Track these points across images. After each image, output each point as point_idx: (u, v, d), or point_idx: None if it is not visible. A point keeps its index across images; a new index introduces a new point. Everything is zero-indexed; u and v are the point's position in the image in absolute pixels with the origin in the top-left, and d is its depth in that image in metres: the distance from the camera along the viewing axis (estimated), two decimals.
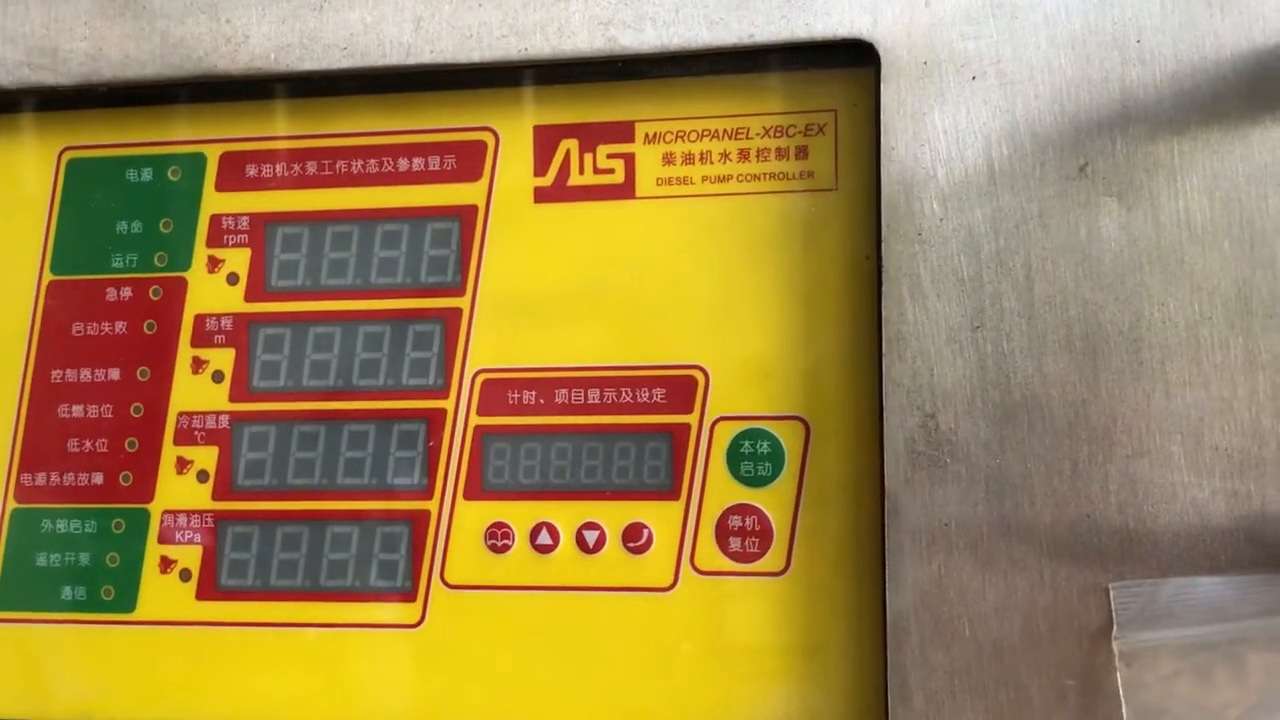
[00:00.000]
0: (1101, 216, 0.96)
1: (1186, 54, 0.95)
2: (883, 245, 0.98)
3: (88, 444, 1.12)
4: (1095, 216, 0.96)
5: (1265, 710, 0.92)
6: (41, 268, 1.13)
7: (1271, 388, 0.94)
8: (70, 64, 1.09)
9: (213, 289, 1.11)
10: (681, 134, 1.04)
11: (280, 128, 1.10)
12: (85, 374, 1.12)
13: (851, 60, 1.01)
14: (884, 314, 0.98)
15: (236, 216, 1.10)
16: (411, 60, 1.05)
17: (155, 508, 1.11)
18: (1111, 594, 0.95)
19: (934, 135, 0.98)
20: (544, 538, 1.06)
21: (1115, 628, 0.95)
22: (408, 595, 1.07)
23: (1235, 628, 0.93)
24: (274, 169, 1.10)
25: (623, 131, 1.05)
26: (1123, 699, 0.94)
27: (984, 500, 0.97)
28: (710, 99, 1.04)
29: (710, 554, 1.04)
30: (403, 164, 1.08)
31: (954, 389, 0.97)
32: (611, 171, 1.05)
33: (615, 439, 1.05)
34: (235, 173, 1.10)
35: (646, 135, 1.05)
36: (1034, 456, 0.97)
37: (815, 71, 1.03)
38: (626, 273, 1.05)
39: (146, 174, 1.12)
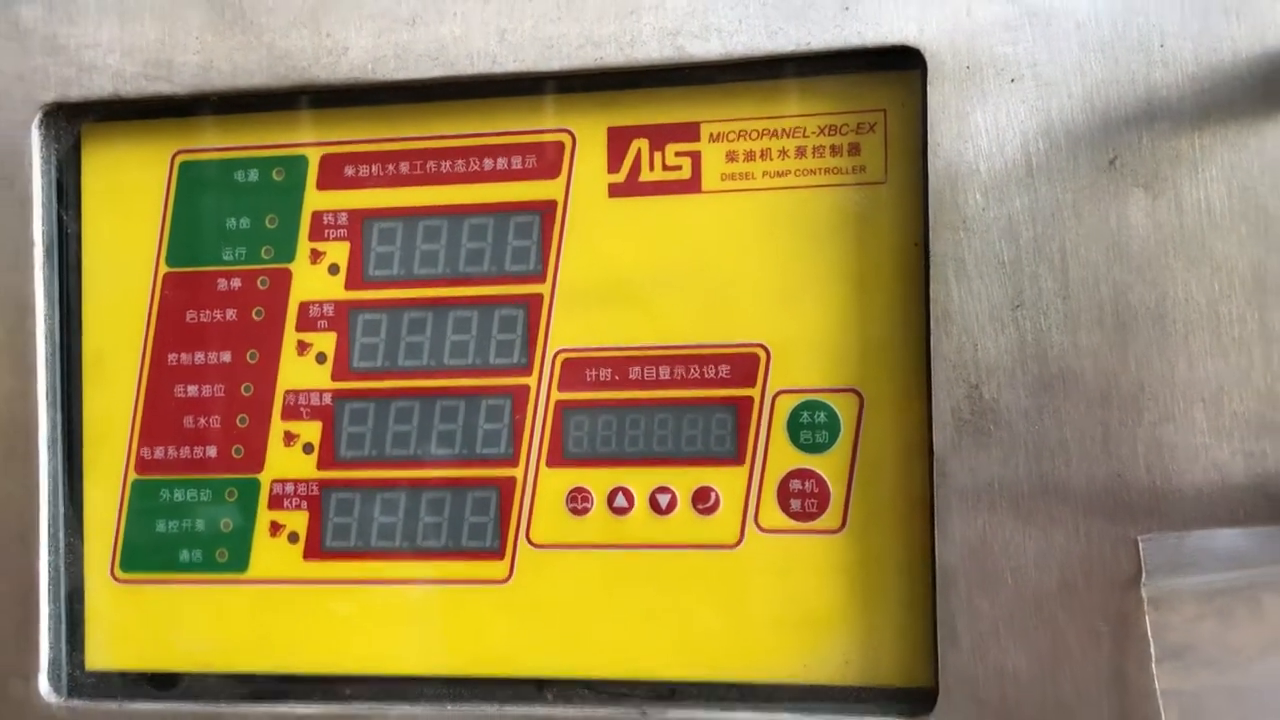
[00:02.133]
0: (1130, 205, 0.99)
1: (1205, 57, 0.98)
2: (930, 233, 1.02)
3: (202, 420, 1.16)
4: (1124, 205, 0.99)
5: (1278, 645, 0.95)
6: (157, 261, 1.17)
7: None
8: (183, 75, 1.13)
9: (315, 279, 1.14)
10: (743, 133, 1.08)
11: (376, 131, 1.13)
12: (199, 357, 1.16)
13: (900, 64, 1.04)
14: (931, 295, 1.02)
15: (336, 213, 1.14)
16: (497, 69, 1.08)
17: (265, 477, 1.14)
18: (1141, 545, 0.99)
19: (976, 133, 1.01)
20: (620, 501, 1.09)
21: (1144, 576, 0.98)
22: (496, 554, 1.11)
23: (1253, 574, 0.96)
24: (370, 169, 1.13)
25: (689, 131, 1.08)
26: (1151, 640, 0.97)
27: (1024, 462, 1.00)
28: (770, 101, 1.07)
29: (772, 514, 1.07)
30: (488, 163, 1.11)
31: (996, 362, 1.01)
32: (679, 168, 1.09)
33: (684, 411, 1.08)
34: (334, 173, 1.14)
35: (711, 135, 1.08)
36: (1069, 423, 1.00)
37: (866, 75, 1.06)
38: (693, 261, 1.08)
39: (253, 175, 1.15)
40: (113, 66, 1.14)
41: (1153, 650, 0.97)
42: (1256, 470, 0.98)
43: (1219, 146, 0.98)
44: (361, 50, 1.10)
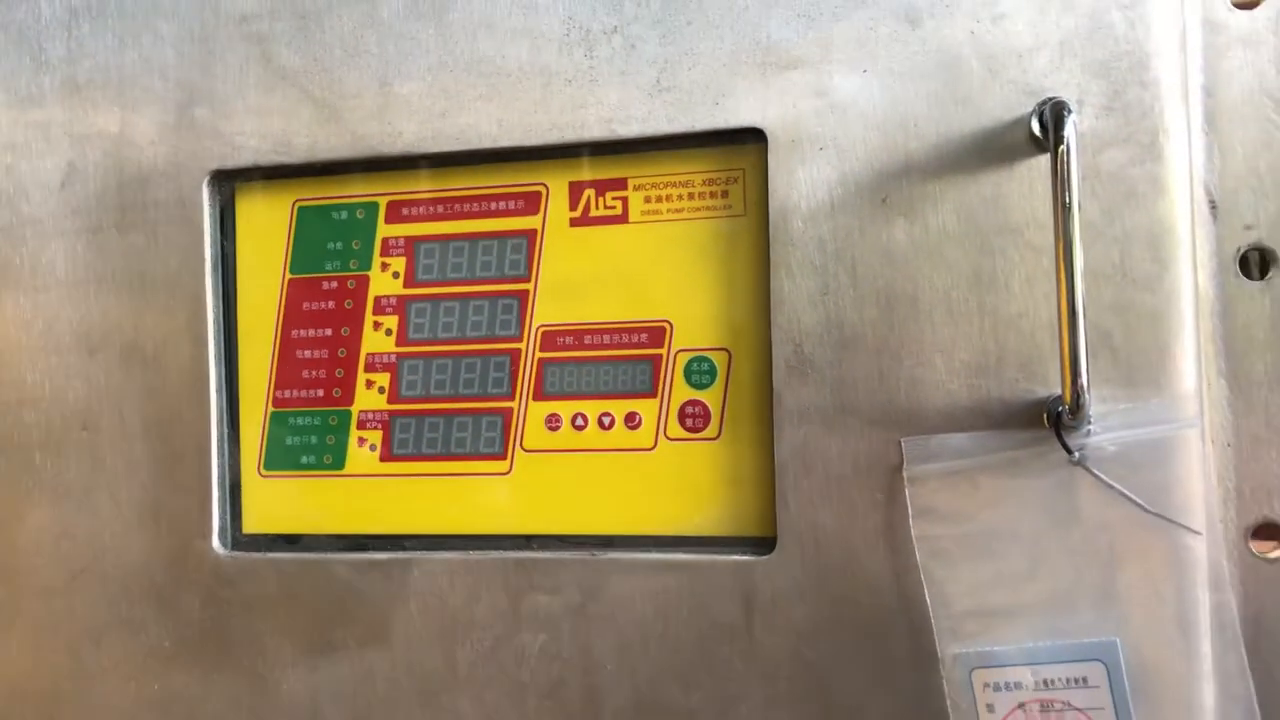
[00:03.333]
0: (895, 228, 1.16)
1: (943, 131, 1.15)
2: (771, 248, 1.19)
3: (315, 373, 1.33)
4: (892, 228, 1.16)
5: (989, 506, 1.11)
6: (285, 270, 1.34)
7: (992, 325, 1.14)
8: (298, 151, 1.30)
9: (385, 281, 1.31)
10: (655, 184, 1.24)
11: (421, 186, 1.30)
12: (312, 332, 1.33)
13: (753, 139, 1.20)
14: (772, 287, 1.18)
15: (397, 239, 1.31)
16: (498, 145, 1.25)
17: (355, 409, 1.32)
18: (902, 444, 1.14)
19: (799, 183, 1.18)
20: (579, 421, 1.26)
21: (905, 464, 1.14)
22: (501, 457, 1.28)
23: (971, 462, 1.12)
24: (418, 210, 1.30)
25: (620, 184, 1.25)
26: (909, 504, 1.14)
27: (829, 393, 1.17)
28: (671, 163, 1.23)
29: (675, 428, 1.24)
30: (492, 206, 1.28)
31: (811, 330, 1.17)
32: (615, 208, 1.25)
33: (619, 364, 1.24)
34: (396, 212, 1.31)
35: (635, 185, 1.25)
36: (858, 368, 1.16)
37: (732, 146, 1.22)
38: (624, 267, 1.25)
39: (344, 214, 1.32)
40: (253, 146, 1.32)
41: (910, 511, 1.14)
42: (976, 397, 1.14)
43: (951, 189, 1.15)
44: (411, 134, 1.28)
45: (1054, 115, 1.05)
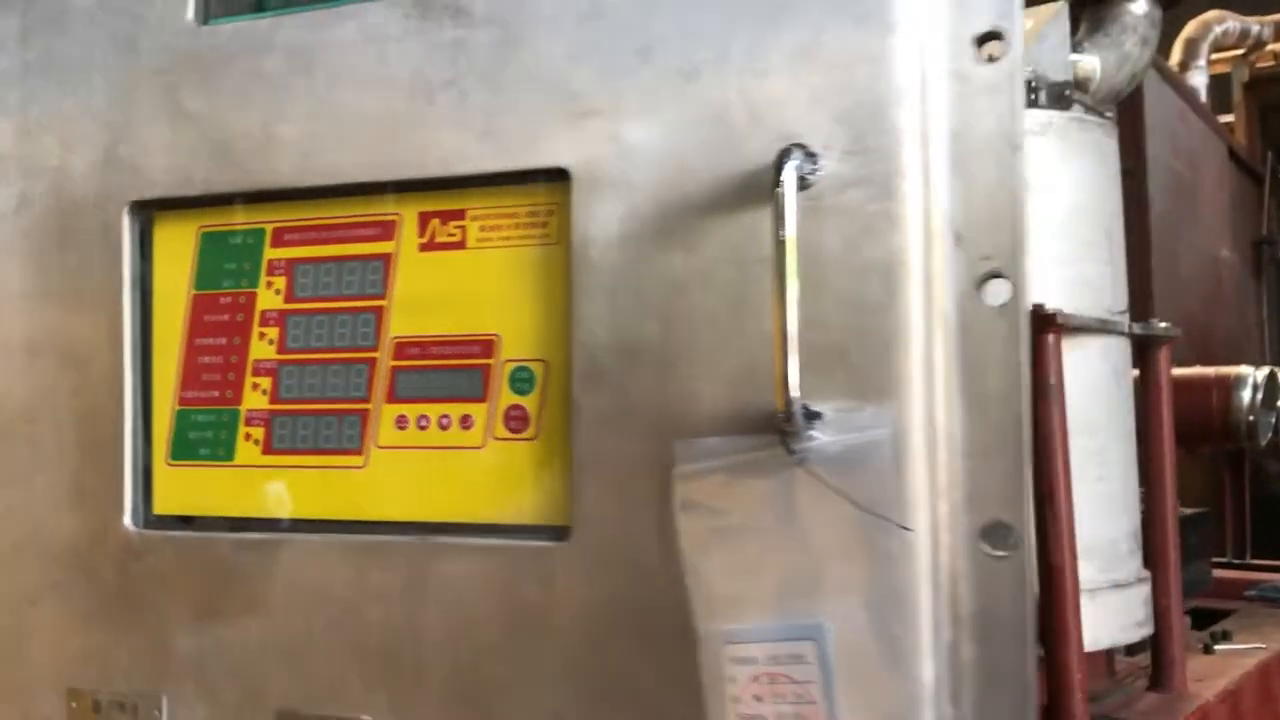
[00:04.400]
0: (673, 256, 1.36)
1: (714, 173, 1.35)
2: (573, 269, 1.40)
3: (212, 376, 1.56)
4: (670, 256, 1.36)
5: (737, 501, 1.31)
6: (190, 287, 1.59)
7: (750, 343, 1.33)
8: (199, 184, 1.56)
9: (269, 297, 1.55)
10: (487, 215, 1.45)
11: (300, 215, 1.54)
12: (210, 341, 1.57)
13: (562, 178, 1.41)
14: (574, 307, 1.40)
15: (280, 260, 1.54)
16: (359, 180, 1.49)
17: (243, 408, 1.55)
18: (675, 446, 1.34)
19: (596, 216, 1.38)
20: (423, 422, 1.47)
21: (676, 463, 1.34)
22: (359, 452, 1.50)
23: (725, 462, 1.31)
24: (297, 235, 1.54)
25: (460, 214, 1.46)
26: (676, 498, 1.34)
27: (619, 400, 1.37)
28: (501, 196, 1.45)
29: (500, 429, 1.44)
30: (356, 232, 1.51)
31: (604, 343, 1.38)
32: (455, 235, 1.46)
33: (456, 371, 1.46)
34: (280, 238, 1.55)
35: (471, 216, 1.46)
36: (642, 379, 1.36)
37: (547, 183, 1.42)
38: (462, 286, 1.46)
39: (238, 239, 1.57)
40: (164, 180, 1.57)
41: (676, 505, 1.34)
42: (736, 405, 1.33)
43: (719, 223, 1.34)
44: (287, 170, 1.52)
45: (776, 161, 1.24)
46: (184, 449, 1.58)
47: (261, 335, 1.54)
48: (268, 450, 1.54)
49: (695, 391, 1.34)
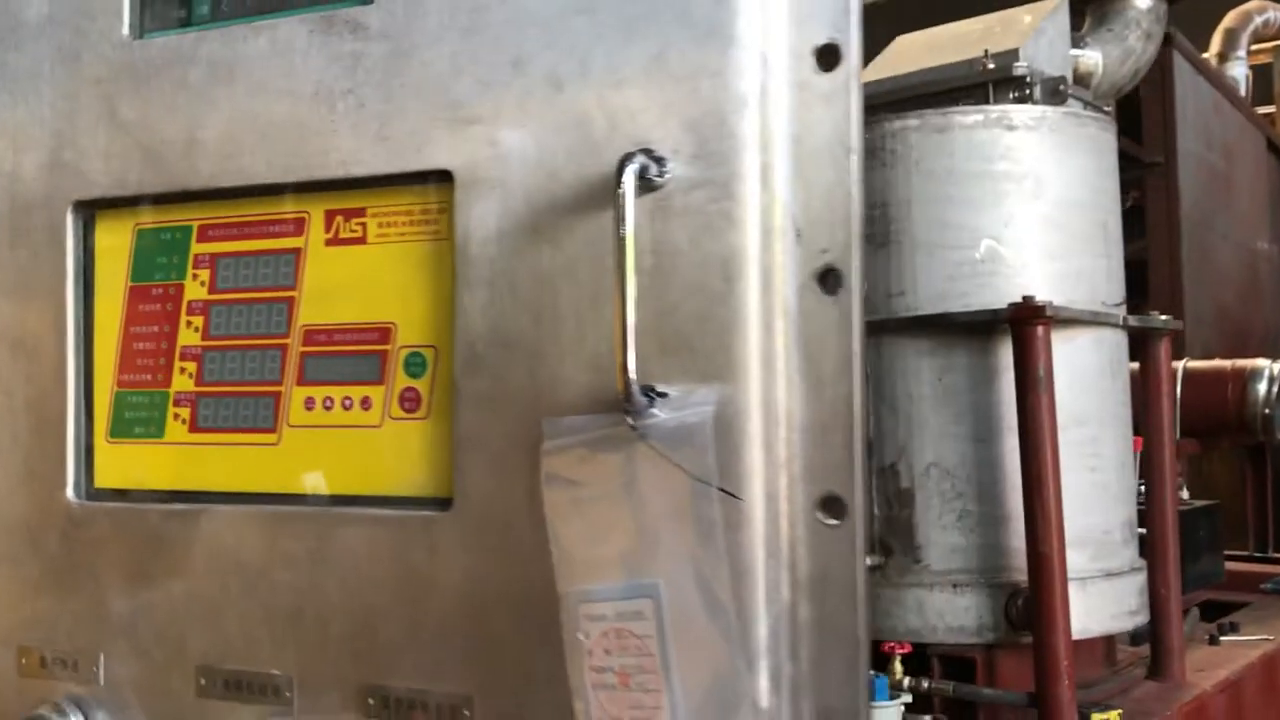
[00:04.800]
0: (543, 252, 1.50)
1: (578, 175, 1.48)
2: (457, 263, 1.54)
3: (145, 361, 1.73)
4: (539, 251, 1.50)
5: (592, 474, 1.45)
6: (127, 280, 1.76)
7: (609, 331, 1.47)
8: (132, 185, 1.72)
9: (195, 288, 1.70)
10: (386, 212, 1.60)
11: (222, 213, 1.70)
12: (144, 329, 1.73)
13: (446, 179, 1.56)
14: (457, 297, 1.55)
15: (205, 255, 1.70)
16: (271, 180, 1.65)
17: (172, 390, 1.71)
18: (543, 423, 1.49)
19: (476, 214, 1.52)
20: (328, 403, 1.63)
21: (544, 439, 1.49)
22: (272, 430, 1.66)
23: (584, 438, 1.45)
24: (218, 232, 1.70)
25: (361, 212, 1.61)
26: (543, 471, 1.48)
27: (496, 383, 1.52)
28: (397, 195, 1.59)
29: (397, 410, 1.59)
30: (270, 229, 1.66)
31: (483, 331, 1.52)
32: (357, 231, 1.62)
33: (358, 357, 1.60)
34: (204, 234, 1.71)
35: (371, 213, 1.61)
36: (516, 363, 1.51)
37: (436, 184, 1.57)
38: (363, 277, 1.61)
39: (168, 235, 1.72)
40: (103, 182, 1.73)
41: (542, 477, 1.48)
42: (597, 387, 1.46)
43: (582, 222, 1.47)
44: (208, 172, 1.67)
45: (618, 166, 1.39)
46: (121, 428, 1.74)
47: (189, 324, 1.70)
48: (194, 429, 1.69)
49: (561, 375, 1.48)
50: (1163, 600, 3.46)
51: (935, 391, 3.28)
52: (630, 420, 1.40)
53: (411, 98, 1.56)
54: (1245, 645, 3.92)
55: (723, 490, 1.38)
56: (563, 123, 1.49)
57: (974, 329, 3.22)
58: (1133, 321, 3.54)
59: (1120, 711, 3.08)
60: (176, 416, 1.70)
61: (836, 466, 1.43)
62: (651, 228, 1.44)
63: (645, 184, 1.44)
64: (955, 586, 3.25)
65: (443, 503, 1.55)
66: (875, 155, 3.40)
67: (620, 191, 1.38)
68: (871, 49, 4.02)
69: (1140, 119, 7.52)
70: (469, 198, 1.52)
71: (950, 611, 3.25)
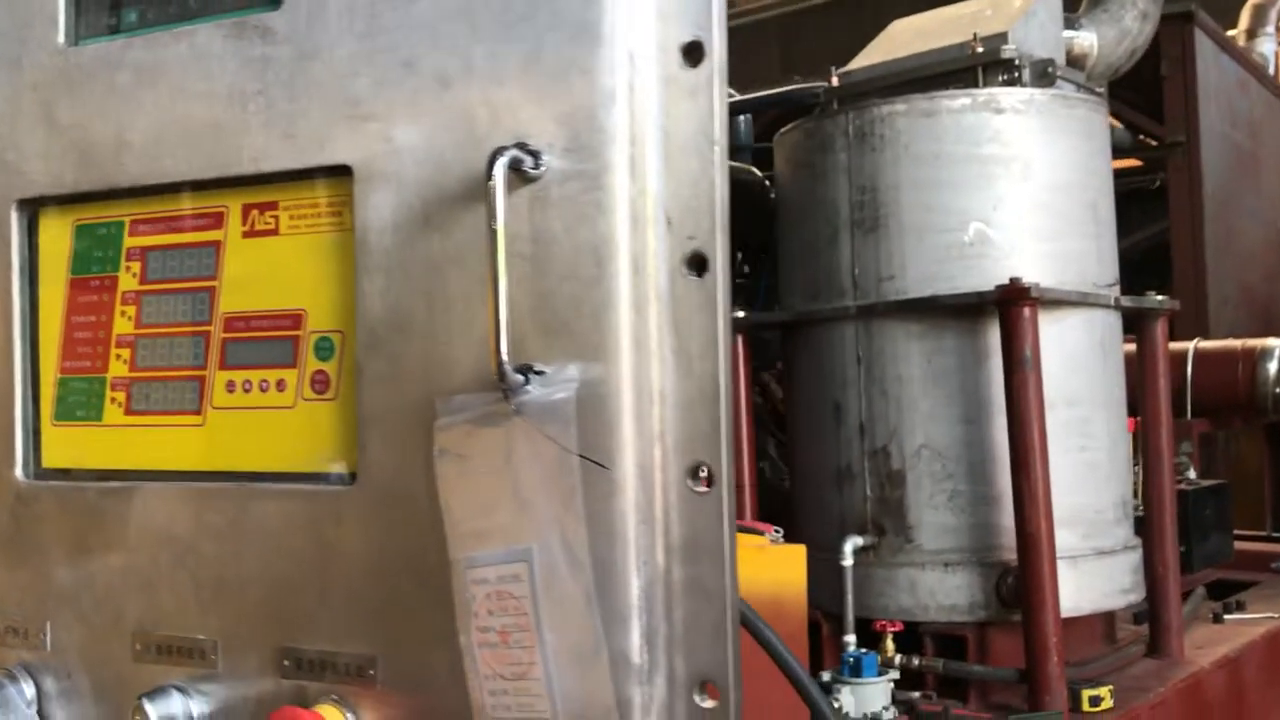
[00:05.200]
0: (433, 242, 1.62)
1: (465, 168, 1.60)
2: (357, 252, 1.66)
3: (85, 349, 1.86)
4: (430, 242, 1.62)
5: (478, 448, 1.56)
6: (68, 272, 1.89)
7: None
8: (69, 184, 1.85)
9: (128, 280, 1.83)
10: (295, 205, 1.72)
11: (151, 209, 1.82)
12: (83, 319, 1.85)
13: (346, 173, 1.68)
14: (358, 284, 1.66)
15: (136, 248, 1.82)
16: (193, 177, 1.77)
17: (109, 375, 1.84)
18: (436, 401, 1.60)
19: (373, 205, 1.64)
20: (247, 386, 1.74)
21: (437, 417, 1.60)
22: (198, 413, 1.78)
23: (471, 414, 1.56)
24: (147, 226, 1.83)
25: (273, 206, 1.73)
26: (435, 447, 1.60)
27: (393, 363, 1.64)
28: (305, 189, 1.71)
29: (308, 392, 1.71)
30: (194, 222, 1.79)
31: (382, 316, 1.64)
32: (270, 224, 1.73)
33: (272, 341, 1.72)
34: (136, 228, 1.84)
35: (283, 206, 1.73)
36: (412, 347, 1.62)
37: (337, 178, 1.69)
38: (276, 266, 1.73)
39: (104, 230, 1.84)
40: (43, 181, 1.86)
41: (435, 451, 1.60)
42: (483, 368, 1.57)
43: (468, 213, 1.58)
44: (136, 171, 1.80)
45: (489, 160, 1.50)
46: (65, 411, 1.87)
47: (123, 313, 1.82)
48: (129, 412, 1.82)
49: (452, 356, 1.59)
50: (1160, 579, 3.53)
51: (925, 374, 3.38)
52: (507, 398, 1.50)
53: (314, 97, 1.67)
54: (1249, 624, 3.98)
55: (586, 458, 1.49)
56: (450, 118, 1.59)
57: (962, 312, 3.31)
58: (1126, 302, 3.60)
59: (1112, 688, 3.16)
60: (113, 400, 1.82)
61: (705, 438, 1.54)
62: (530, 217, 1.55)
63: (522, 176, 1.54)
64: (946, 565, 3.35)
65: (349, 478, 1.66)
66: (864, 140, 3.50)
67: (491, 185, 1.48)
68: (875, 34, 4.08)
69: (1161, 99, 7.53)
70: (366, 190, 1.63)
71: (942, 590, 3.35)
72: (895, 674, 3.14)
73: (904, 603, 3.39)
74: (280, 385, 1.72)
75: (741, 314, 3.61)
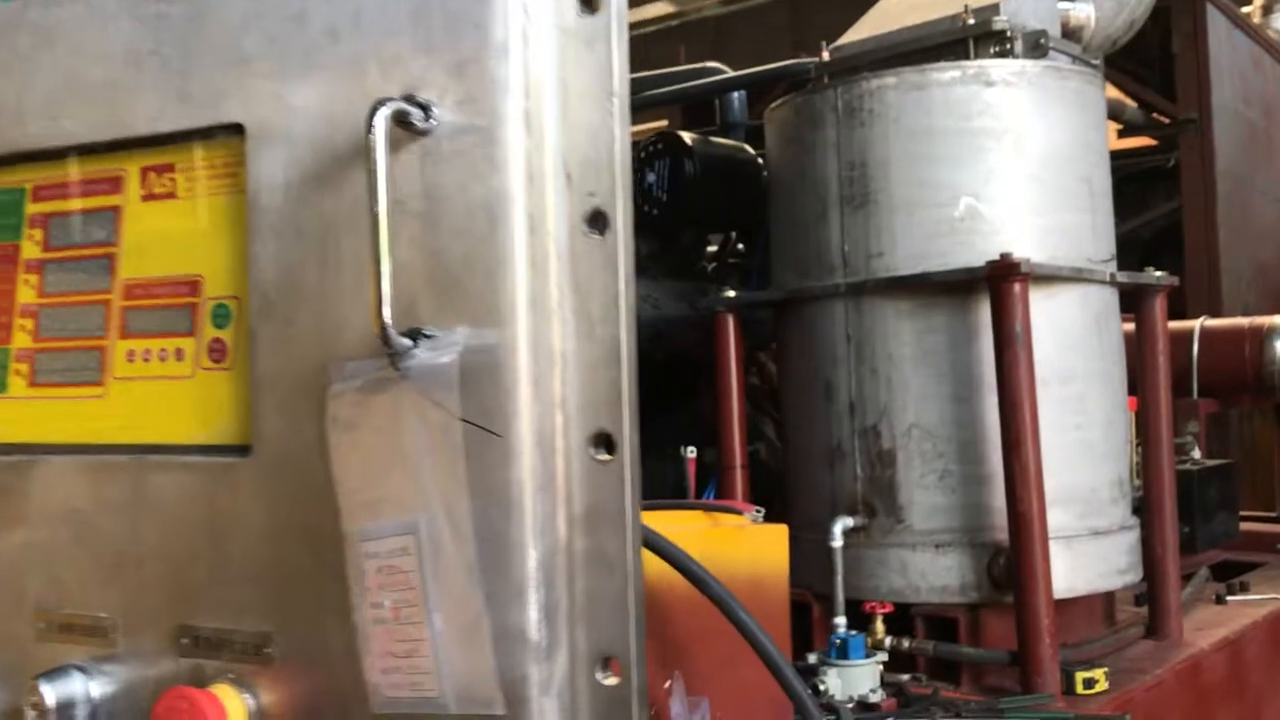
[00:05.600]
0: (325, 200, 1.56)
1: (357, 124, 1.53)
2: (249, 213, 1.60)
3: None
4: (323, 200, 1.56)
5: (369, 415, 1.50)
6: None
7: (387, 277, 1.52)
8: None
9: (30, 248, 1.77)
10: (192, 167, 1.66)
11: (50, 176, 1.77)
12: None
13: (239, 132, 1.62)
14: (251, 246, 1.61)
15: (38, 215, 1.78)
16: (92, 140, 1.72)
17: (13, 346, 1.79)
18: (329, 368, 1.54)
19: (266, 165, 1.58)
20: (147, 356, 1.69)
21: (330, 384, 1.54)
22: (100, 384, 1.72)
23: (361, 381, 1.50)
24: (49, 192, 1.78)
25: (170, 168, 1.67)
26: (326, 411, 1.54)
27: (287, 331, 1.58)
28: (201, 150, 1.65)
29: (206, 361, 1.65)
30: (94, 187, 1.74)
31: (275, 280, 1.58)
32: (168, 186, 1.68)
33: (171, 309, 1.67)
34: (37, 194, 1.78)
35: (179, 168, 1.67)
36: (306, 311, 1.56)
37: (231, 137, 1.63)
38: (175, 231, 1.68)
39: (6, 197, 1.80)
40: None
41: (327, 420, 1.54)
42: (368, 332, 1.52)
43: (361, 171, 1.53)
44: (36, 135, 1.75)
45: (369, 113, 1.43)
46: None
47: (26, 282, 1.78)
48: (32, 383, 1.77)
49: (345, 320, 1.53)
50: (1159, 559, 3.46)
51: (916, 352, 3.32)
52: (394, 363, 1.44)
53: (208, 54, 1.61)
54: (1251, 605, 3.91)
55: (474, 424, 1.42)
56: (341, 73, 1.54)
57: (953, 288, 3.25)
58: (1122, 278, 3.52)
59: (1106, 670, 3.09)
60: (17, 372, 1.78)
61: (607, 403, 1.48)
62: (423, 174, 1.49)
63: (412, 131, 1.48)
64: (938, 546, 3.29)
65: (243, 449, 1.60)
66: (854, 115, 3.44)
67: (371, 137, 1.42)
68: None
69: (1174, 76, 7.43)
70: (259, 150, 1.58)
71: (933, 571, 3.29)
72: (884, 656, 3.09)
73: (895, 584, 3.34)
74: (179, 354, 1.67)
75: (732, 293, 3.56)
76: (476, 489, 1.44)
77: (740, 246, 4.27)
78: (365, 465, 1.48)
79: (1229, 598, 3.97)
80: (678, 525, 2.28)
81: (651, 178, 4.13)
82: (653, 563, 2.08)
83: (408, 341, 1.43)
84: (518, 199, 1.46)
